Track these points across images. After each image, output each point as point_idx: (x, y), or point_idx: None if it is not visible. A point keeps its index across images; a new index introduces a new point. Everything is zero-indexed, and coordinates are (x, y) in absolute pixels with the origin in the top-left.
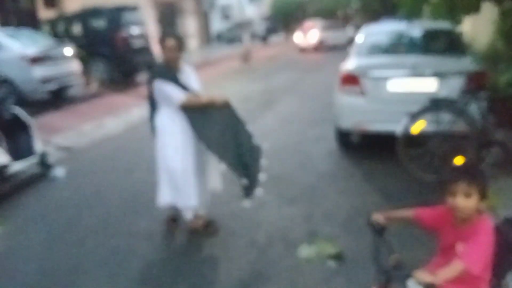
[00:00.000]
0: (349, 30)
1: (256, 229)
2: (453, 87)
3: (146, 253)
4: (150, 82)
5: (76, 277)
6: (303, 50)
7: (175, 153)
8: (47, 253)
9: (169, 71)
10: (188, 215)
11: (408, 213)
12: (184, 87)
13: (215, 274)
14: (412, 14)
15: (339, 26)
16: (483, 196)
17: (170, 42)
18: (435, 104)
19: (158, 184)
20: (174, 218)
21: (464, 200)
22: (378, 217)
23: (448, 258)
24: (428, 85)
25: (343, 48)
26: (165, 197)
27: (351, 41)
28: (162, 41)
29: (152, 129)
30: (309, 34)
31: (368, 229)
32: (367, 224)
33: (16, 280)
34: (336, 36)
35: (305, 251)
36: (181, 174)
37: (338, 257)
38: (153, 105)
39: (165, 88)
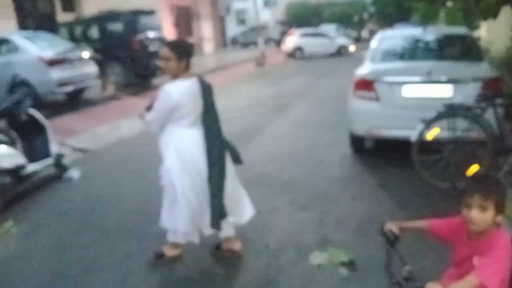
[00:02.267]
0: (339, 39)
1: (268, 234)
2: (469, 93)
3: None
4: None
5: (87, 279)
6: (289, 55)
7: None
8: (60, 254)
9: None
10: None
11: (422, 223)
12: None
13: (226, 279)
14: (428, 19)
15: (324, 34)
16: (500, 209)
17: (161, 51)
18: (450, 110)
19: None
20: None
21: (479, 214)
22: (391, 227)
23: (463, 271)
24: (443, 91)
25: (330, 56)
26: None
27: (340, 50)
28: None
29: None
30: (288, 41)
31: (380, 238)
32: (380, 233)
33: (29, 280)
34: (319, 44)
35: (317, 257)
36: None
37: (350, 264)
38: None
39: None
